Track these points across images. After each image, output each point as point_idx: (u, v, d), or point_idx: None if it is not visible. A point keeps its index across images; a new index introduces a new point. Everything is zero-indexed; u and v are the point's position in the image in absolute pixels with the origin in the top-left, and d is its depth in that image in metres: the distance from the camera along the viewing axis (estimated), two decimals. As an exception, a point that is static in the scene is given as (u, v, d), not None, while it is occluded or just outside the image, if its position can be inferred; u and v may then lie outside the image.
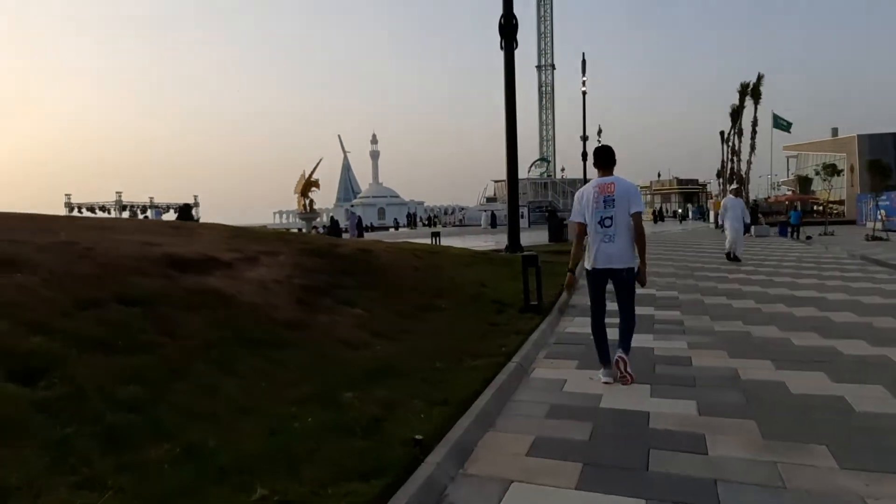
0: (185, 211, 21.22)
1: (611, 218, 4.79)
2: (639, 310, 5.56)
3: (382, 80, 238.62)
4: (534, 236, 28.23)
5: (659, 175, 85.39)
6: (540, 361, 5.73)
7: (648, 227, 41.35)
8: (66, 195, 58.44)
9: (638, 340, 6.25)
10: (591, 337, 5.24)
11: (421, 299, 7.34)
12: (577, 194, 5.15)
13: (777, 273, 12.19)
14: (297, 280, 6.30)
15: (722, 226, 16.05)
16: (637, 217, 4.78)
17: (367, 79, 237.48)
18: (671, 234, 31.53)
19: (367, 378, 4.54)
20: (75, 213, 57.75)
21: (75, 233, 6.08)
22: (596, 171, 5.07)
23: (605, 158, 5.02)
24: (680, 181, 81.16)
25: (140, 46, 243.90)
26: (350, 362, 4.83)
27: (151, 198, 63.61)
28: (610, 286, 5.07)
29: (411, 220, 65.79)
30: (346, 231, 37.80)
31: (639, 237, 4.80)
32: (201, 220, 21.01)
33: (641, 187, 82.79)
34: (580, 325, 7.37)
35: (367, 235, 41.71)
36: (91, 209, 57.33)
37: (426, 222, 74.16)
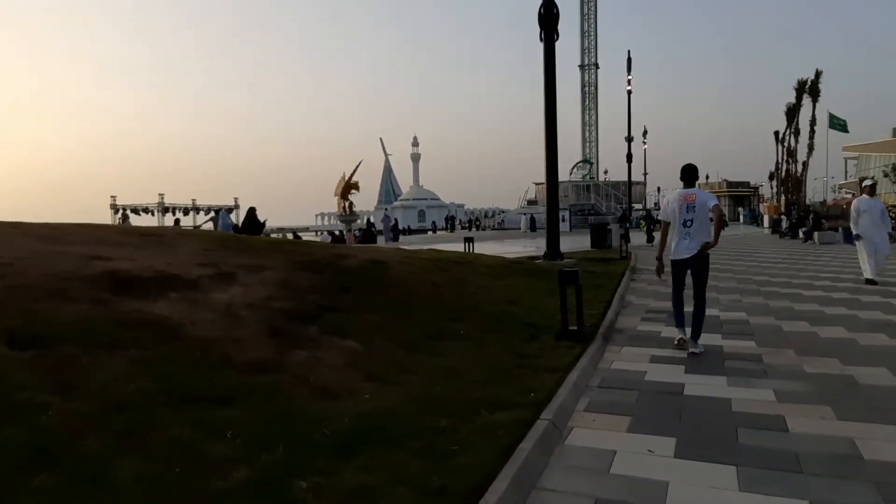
0: (250, 217, 17.96)
1: (691, 220, 6.16)
2: (705, 338, 6.45)
3: (424, 81, 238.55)
4: (575, 241, 26.62)
5: (707, 177, 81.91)
6: (579, 416, 4.38)
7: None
8: (111, 197, 59.23)
9: (711, 385, 5.10)
10: (645, 378, 5.37)
11: (435, 323, 6.07)
12: (662, 200, 7.52)
13: (861, 290, 10.45)
14: (277, 303, 5.12)
15: (855, 237, 11.56)
16: (717, 208, 6.18)
17: (409, 80, 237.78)
18: (722, 241, 29.33)
19: (341, 449, 3.31)
20: (120, 215, 58.74)
21: (7, 242, 5.05)
22: (681, 183, 6.40)
23: (690, 175, 6.37)
24: (730, 184, 77.65)
25: (182, 48, 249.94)
26: (322, 422, 3.60)
27: (194, 200, 64.13)
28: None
29: (450, 223, 64.56)
30: (381, 234, 37.01)
31: (718, 220, 6.16)
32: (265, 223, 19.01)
33: (688, 190, 79.63)
34: (630, 359, 5.99)
35: (403, 238, 40.77)
36: (135, 211, 57.99)
37: (465, 225, 72.97)
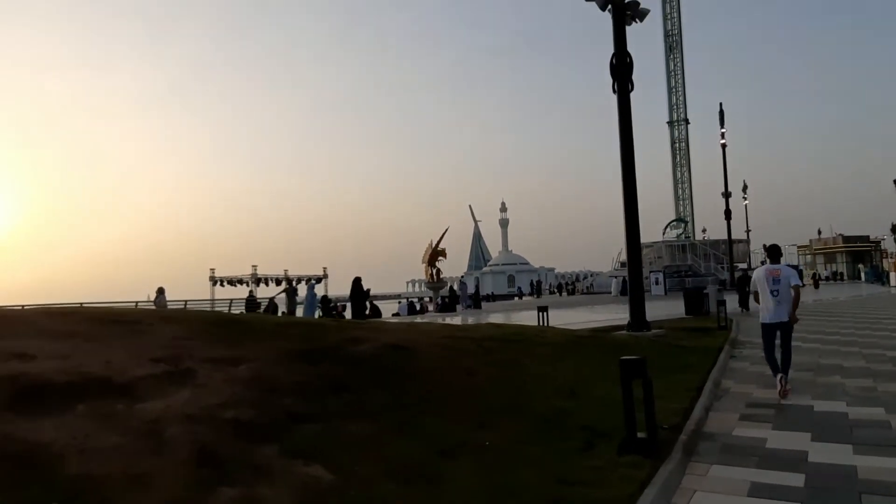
0: (356, 287, 18.70)
1: (777, 290, 7.40)
2: (829, 447, 5.21)
3: (513, 146, 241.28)
4: (669, 307, 24.13)
5: (820, 232, 75.52)
6: None
7: (809, 293, 34.94)
8: (210, 270, 62.18)
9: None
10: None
11: (453, 432, 4.67)
12: (754, 275, 8.03)
13: None
14: (231, 412, 3.97)
15: None
16: (796, 287, 7.48)
17: (498, 145, 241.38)
18: (842, 305, 25.50)
19: None
20: (218, 286, 61.42)
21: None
22: (768, 259, 8.32)
23: (774, 253, 8.09)
24: (846, 238, 70.98)
25: (279, 128, 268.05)
26: None
27: (286, 270, 66.14)
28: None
29: (535, 289, 62.54)
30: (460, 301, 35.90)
31: (796, 298, 7.43)
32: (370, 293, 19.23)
33: (800, 247, 73.88)
34: (721, 490, 4.28)
35: (486, 305, 39.46)
36: (231, 283, 60.35)
37: (554, 290, 70.58)
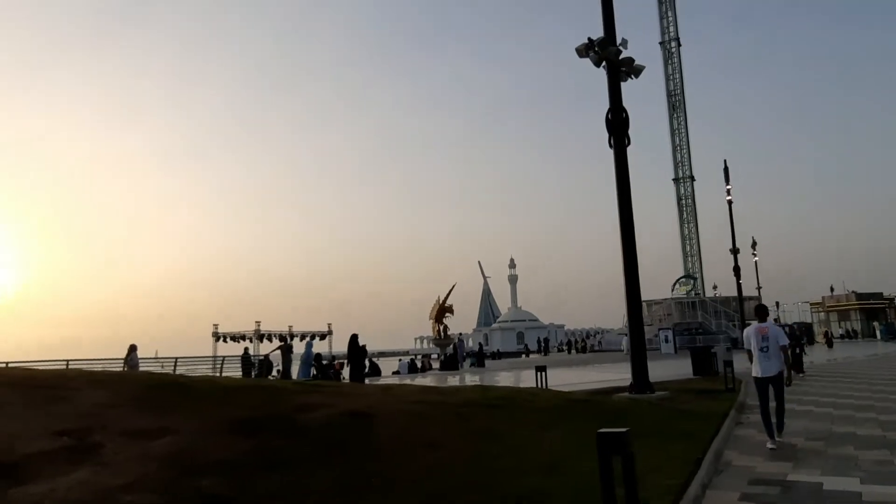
0: (353, 344, 17.42)
1: (766, 347, 8.09)
2: None
3: (523, 202, 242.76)
4: (678, 367, 23.21)
5: (832, 289, 74.09)
6: None
7: (822, 352, 33.64)
8: (214, 325, 61.62)
9: None
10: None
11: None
12: (745, 333, 8.71)
13: None
14: (130, 497, 3.39)
15: None
16: (784, 348, 8.16)
17: (509, 201, 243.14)
18: (857, 365, 24.34)
19: None
20: (221, 342, 60.79)
21: None
22: (756, 318, 8.75)
23: (762, 313, 8.79)
24: (859, 296, 69.49)
25: (285, 187, 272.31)
26: None
27: (290, 326, 65.42)
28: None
29: (543, 346, 61.35)
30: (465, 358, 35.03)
31: (785, 359, 8.17)
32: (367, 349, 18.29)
33: (812, 304, 72.43)
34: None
35: (490, 363, 38.48)
36: (234, 339, 59.69)
37: (562, 347, 69.24)
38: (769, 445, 7.83)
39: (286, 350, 24.58)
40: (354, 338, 17.07)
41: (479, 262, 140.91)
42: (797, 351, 19.13)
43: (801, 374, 17.83)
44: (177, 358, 20.71)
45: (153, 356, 30.12)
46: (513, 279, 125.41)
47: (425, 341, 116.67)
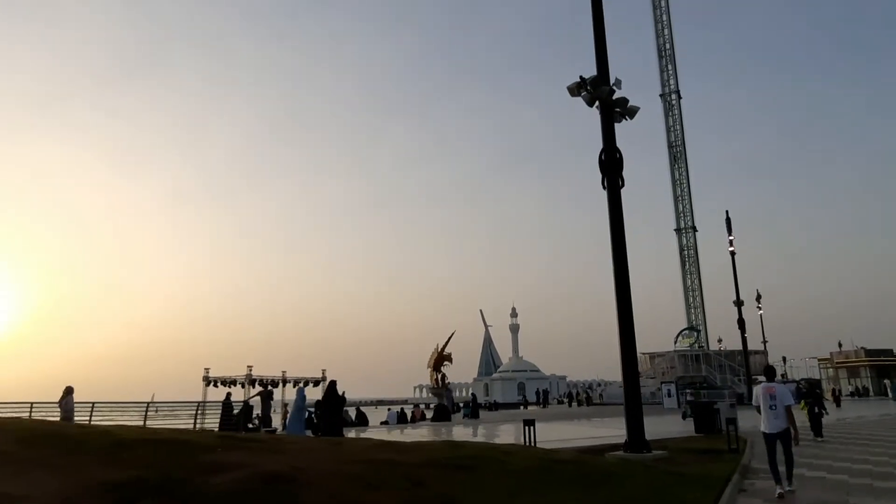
0: (330, 391, 16.17)
1: (774, 405, 8.85)
2: None
3: (525, 251, 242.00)
4: (680, 423, 22.02)
5: (840, 345, 72.32)
6: None
7: (831, 410, 31.88)
8: (204, 369, 60.18)
9: None
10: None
11: None
12: (755, 391, 9.44)
13: None
14: None
15: None
16: (788, 408, 8.85)
17: (512, 249, 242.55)
18: (870, 426, 22.72)
19: None
20: (211, 387, 59.23)
21: None
22: (765, 378, 9.60)
23: (770, 373, 9.69)
24: (868, 352, 67.66)
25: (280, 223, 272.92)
26: None
27: (284, 372, 63.89)
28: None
29: (541, 398, 59.55)
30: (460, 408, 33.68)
31: (789, 417, 8.79)
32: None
33: (820, 359, 70.72)
34: None
35: (485, 415, 37.05)
36: (224, 383, 58.19)
37: (563, 399, 67.29)
38: (778, 491, 8.46)
39: (266, 396, 23.44)
40: (332, 385, 15.91)
41: (480, 311, 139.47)
42: (816, 410, 17.29)
43: (819, 439, 16.07)
44: (94, 403, 18.84)
45: (150, 400, 28.63)
46: (514, 328, 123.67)
47: (424, 390, 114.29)
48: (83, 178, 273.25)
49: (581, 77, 14.48)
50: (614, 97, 14.71)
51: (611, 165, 14.52)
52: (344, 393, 16.77)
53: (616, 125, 14.78)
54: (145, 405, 19.88)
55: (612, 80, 14.79)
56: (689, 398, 32.06)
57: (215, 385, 59.00)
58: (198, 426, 21.02)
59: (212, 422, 23.37)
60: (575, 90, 14.61)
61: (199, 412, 21.74)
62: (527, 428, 14.29)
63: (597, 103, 14.74)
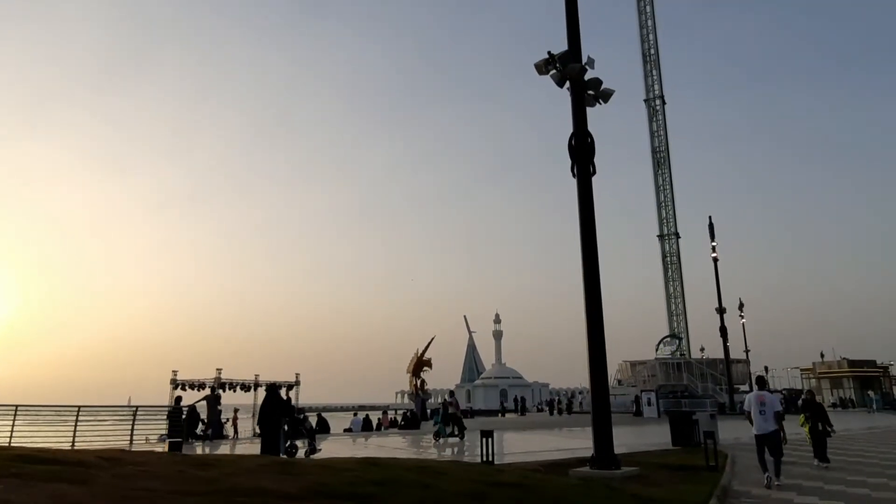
0: (271, 399, 13.73)
1: (764, 410, 10.39)
2: None
3: (510, 259, 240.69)
4: (658, 433, 20.56)
5: (822, 355, 71.64)
6: None
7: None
8: (172, 372, 58.17)
9: None
10: None
11: None
12: (746, 398, 11.22)
13: None
14: None
15: None
16: (777, 414, 10.40)
17: (495, 256, 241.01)
18: (859, 440, 21.50)
19: None
20: (179, 390, 57.26)
21: None
22: (756, 386, 11.40)
23: (762, 383, 11.67)
24: (851, 363, 66.99)
25: (264, 228, 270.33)
26: None
27: (257, 375, 62.02)
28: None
29: (520, 406, 58.13)
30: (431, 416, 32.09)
31: (777, 421, 10.33)
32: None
33: (803, 369, 69.99)
34: None
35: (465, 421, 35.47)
36: (192, 386, 56.28)
37: (543, 407, 65.96)
38: (765, 482, 10.05)
39: (212, 401, 21.75)
40: (272, 389, 13.70)
41: (464, 317, 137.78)
42: (819, 427, 13.50)
43: (825, 465, 12.77)
44: (17, 406, 16.97)
45: (127, 403, 26.58)
46: (497, 335, 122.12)
47: (406, 396, 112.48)
48: (65, 180, 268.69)
49: (549, 53, 13.10)
50: (587, 77, 13.34)
51: (582, 151, 13.12)
52: (289, 399, 14.89)
53: (590, 119, 13.32)
54: (76, 409, 18.11)
55: (584, 60, 13.41)
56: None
57: (184, 388, 57.15)
58: (134, 434, 19.34)
59: (157, 429, 21.68)
60: (542, 67, 13.21)
61: (133, 418, 20.02)
62: (484, 440, 12.80)
63: (567, 83, 13.38)
